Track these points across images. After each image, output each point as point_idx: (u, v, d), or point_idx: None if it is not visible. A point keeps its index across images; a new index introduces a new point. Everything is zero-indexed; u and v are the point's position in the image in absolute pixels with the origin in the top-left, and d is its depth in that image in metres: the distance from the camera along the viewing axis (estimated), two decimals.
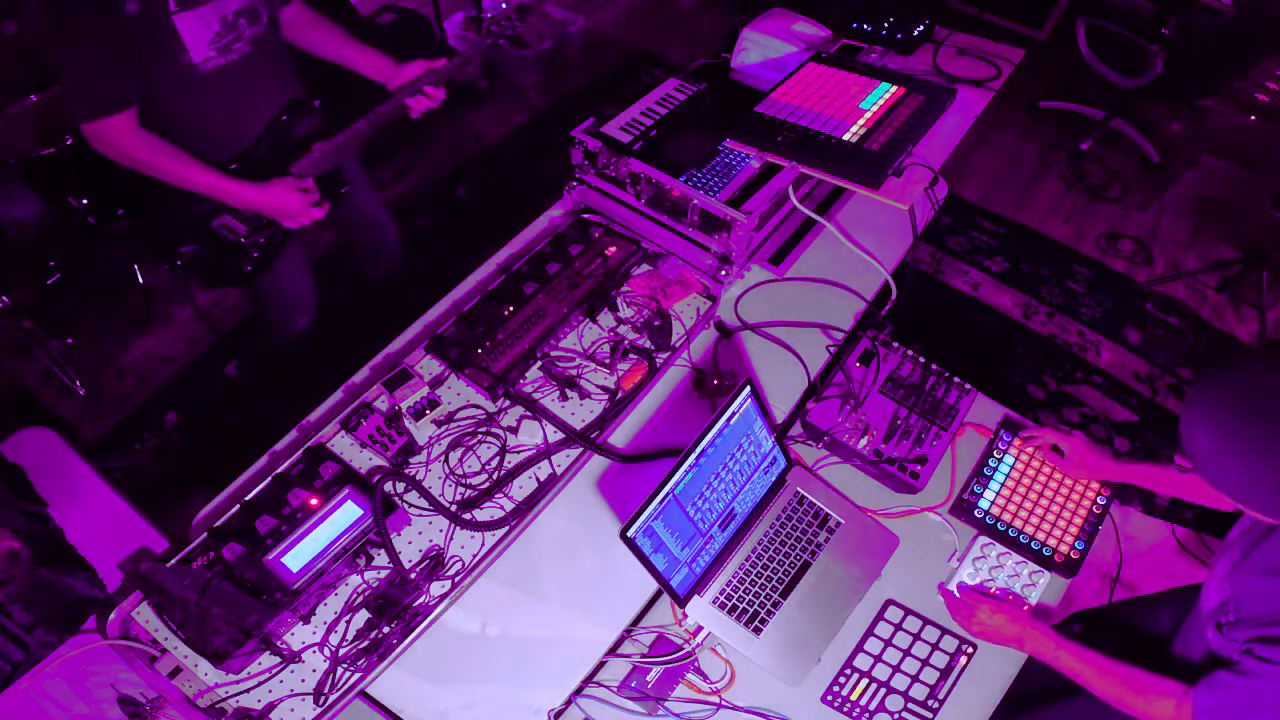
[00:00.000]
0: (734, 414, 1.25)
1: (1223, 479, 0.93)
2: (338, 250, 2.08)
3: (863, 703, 1.21)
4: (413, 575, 1.23)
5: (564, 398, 1.46)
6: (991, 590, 1.31)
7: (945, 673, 1.24)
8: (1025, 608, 1.29)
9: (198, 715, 1.11)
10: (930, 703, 1.21)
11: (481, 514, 1.32)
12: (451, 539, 1.29)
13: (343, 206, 1.87)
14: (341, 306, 2.16)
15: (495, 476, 1.35)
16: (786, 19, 2.05)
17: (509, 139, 3.46)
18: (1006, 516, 1.38)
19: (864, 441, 1.42)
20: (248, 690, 1.15)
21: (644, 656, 1.23)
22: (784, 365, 1.56)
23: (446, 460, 1.37)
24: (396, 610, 1.19)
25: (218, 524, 1.23)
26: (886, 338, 1.57)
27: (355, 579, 1.24)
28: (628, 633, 1.26)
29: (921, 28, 2.20)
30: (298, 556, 1.16)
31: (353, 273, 2.24)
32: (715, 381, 1.49)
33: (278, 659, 1.16)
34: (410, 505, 1.32)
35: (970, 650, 1.26)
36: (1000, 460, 1.45)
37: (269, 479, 1.29)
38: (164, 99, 1.44)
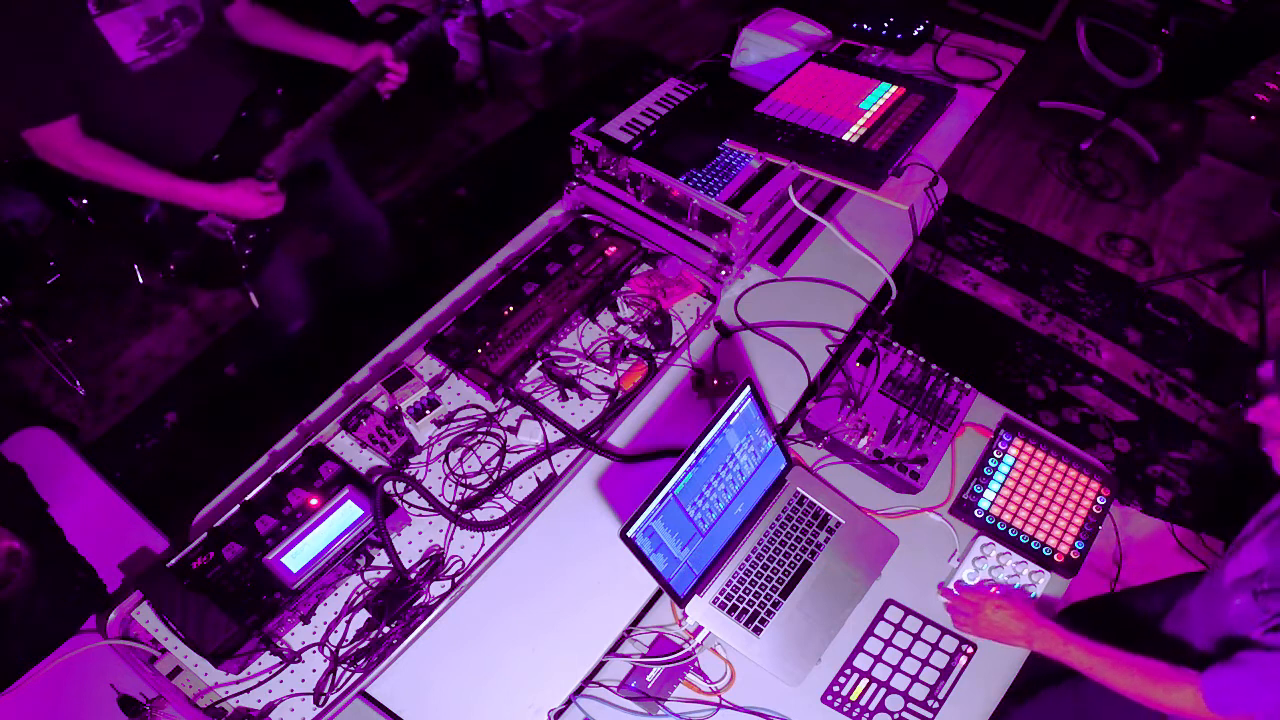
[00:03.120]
0: (734, 414, 1.25)
1: None
2: (333, 252, 2.07)
3: (863, 703, 1.21)
4: (413, 575, 1.23)
5: (564, 398, 1.46)
6: (991, 591, 1.31)
7: (945, 673, 1.24)
8: (1033, 599, 1.28)
9: (198, 715, 1.11)
10: (930, 703, 1.21)
11: (481, 514, 1.32)
12: (451, 539, 1.29)
13: (328, 205, 1.86)
14: (341, 307, 2.17)
15: (495, 476, 1.35)
16: (786, 19, 2.05)
17: (509, 139, 3.46)
18: (1006, 516, 1.38)
19: (864, 441, 1.42)
20: (248, 690, 1.15)
21: (644, 656, 1.23)
22: (784, 365, 1.56)
23: (446, 460, 1.37)
24: (396, 610, 1.19)
25: (218, 524, 1.23)
26: (886, 338, 1.57)
27: (355, 579, 1.24)
28: (628, 633, 1.26)
29: (921, 28, 2.20)
30: (298, 556, 1.16)
31: (347, 275, 2.24)
32: (715, 381, 1.49)
33: (278, 659, 1.16)
34: (410, 505, 1.32)
35: (970, 650, 1.26)
36: (1000, 460, 1.45)
37: (269, 479, 1.29)
38: (102, 101, 1.42)
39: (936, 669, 1.24)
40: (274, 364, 2.34)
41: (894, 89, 1.76)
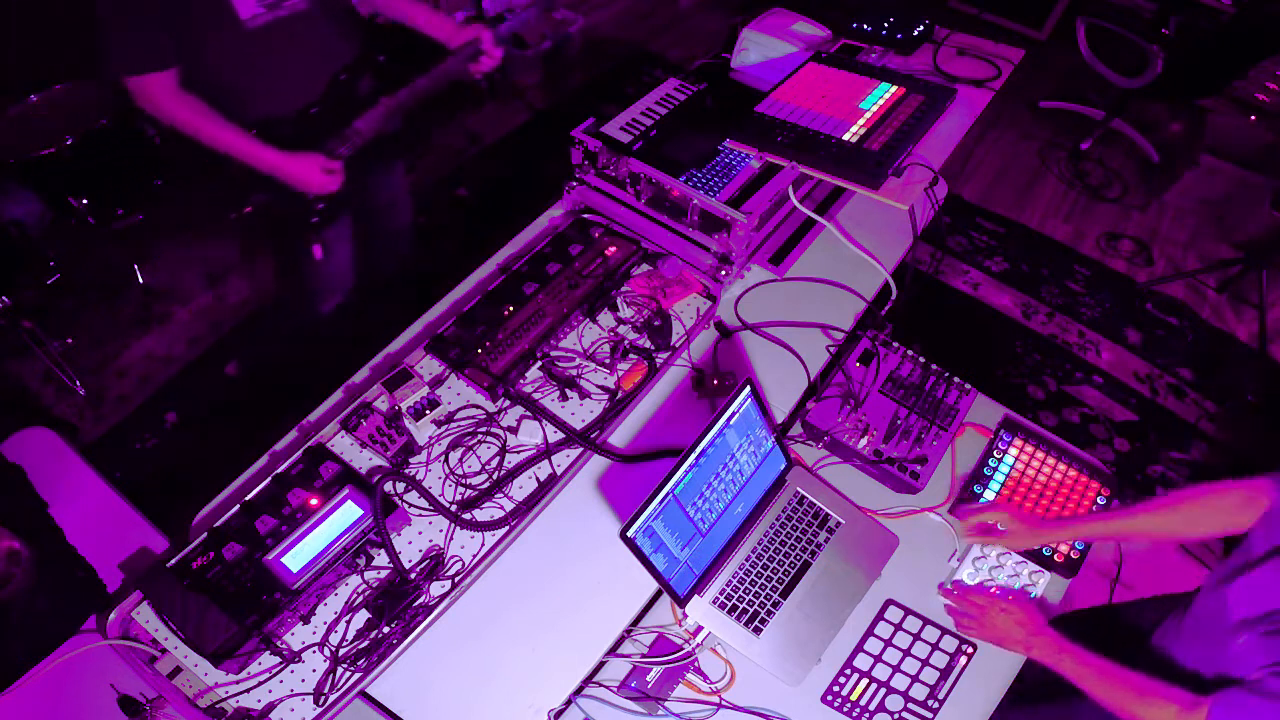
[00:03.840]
0: (734, 414, 1.25)
1: None
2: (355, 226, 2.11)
3: (863, 703, 1.21)
4: (413, 575, 1.23)
5: (564, 398, 1.46)
6: (992, 590, 1.31)
7: (945, 673, 1.24)
8: (1035, 598, 1.28)
9: (198, 715, 1.11)
10: (930, 703, 1.21)
11: (481, 514, 1.32)
12: (451, 539, 1.29)
13: (373, 180, 1.88)
14: (342, 307, 2.16)
15: (495, 476, 1.35)
16: (786, 19, 2.05)
17: (509, 139, 3.46)
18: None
19: (864, 441, 1.42)
20: (248, 690, 1.15)
21: (644, 656, 1.23)
22: (784, 365, 1.56)
23: (446, 460, 1.37)
24: (396, 610, 1.19)
25: (218, 524, 1.23)
26: (886, 338, 1.57)
27: (355, 579, 1.24)
28: (628, 633, 1.26)
29: (921, 28, 2.20)
30: (298, 556, 1.16)
31: (362, 261, 2.24)
32: (715, 381, 1.49)
33: (278, 659, 1.16)
34: (410, 505, 1.32)
35: (970, 650, 1.26)
36: (1000, 460, 1.45)
37: (269, 479, 1.29)
38: (209, 54, 1.47)
39: (936, 669, 1.24)
40: (274, 364, 2.34)
41: (894, 89, 1.76)
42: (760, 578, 1.31)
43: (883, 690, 1.22)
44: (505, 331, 1.48)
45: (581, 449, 1.39)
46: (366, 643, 1.18)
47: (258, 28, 1.47)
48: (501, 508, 1.33)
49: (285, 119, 1.59)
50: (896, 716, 1.20)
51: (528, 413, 1.42)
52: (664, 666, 1.22)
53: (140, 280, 2.70)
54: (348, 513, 1.20)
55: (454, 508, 1.31)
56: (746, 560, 1.32)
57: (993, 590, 1.31)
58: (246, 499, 1.26)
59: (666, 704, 1.19)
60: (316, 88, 1.63)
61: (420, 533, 1.30)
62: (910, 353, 1.55)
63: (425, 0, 1.75)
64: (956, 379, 1.51)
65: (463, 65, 1.67)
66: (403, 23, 1.74)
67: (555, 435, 1.40)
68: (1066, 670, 1.13)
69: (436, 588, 1.24)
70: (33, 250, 2.53)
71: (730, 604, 1.28)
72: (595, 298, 1.55)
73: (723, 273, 1.60)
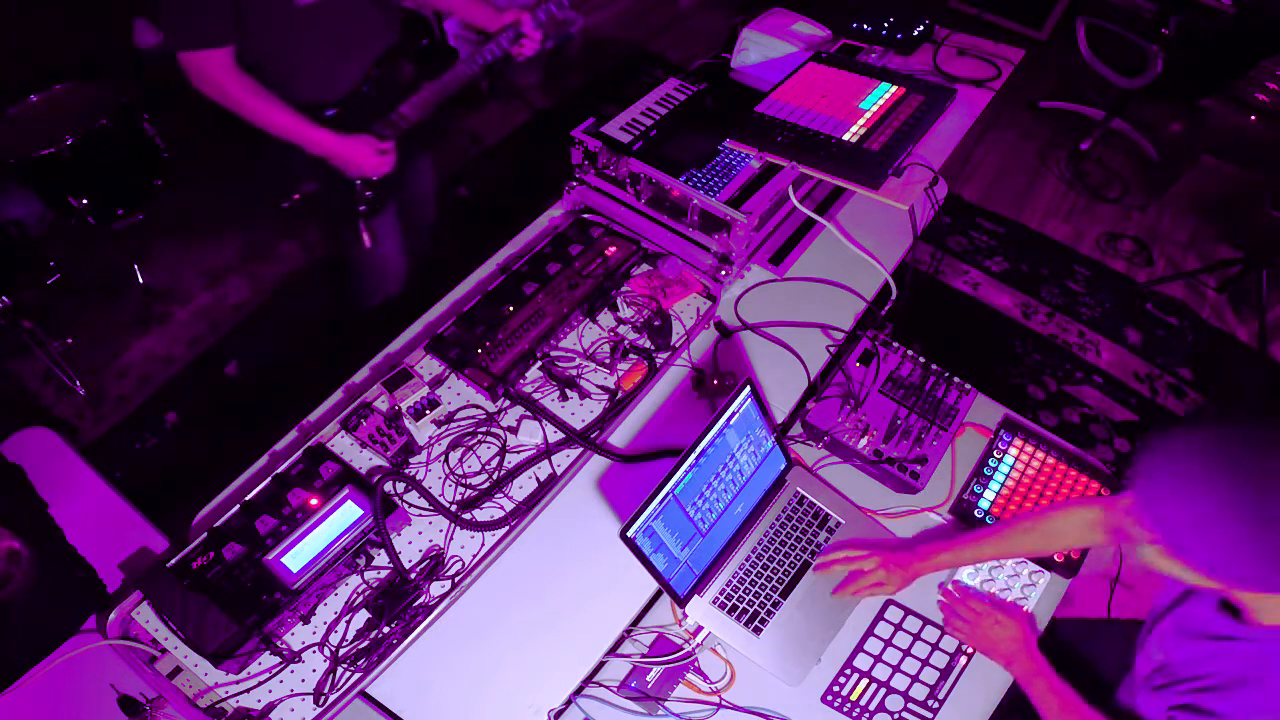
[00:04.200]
0: (734, 414, 1.25)
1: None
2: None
3: (863, 703, 1.21)
4: (413, 575, 1.23)
5: (564, 398, 1.46)
6: (995, 587, 1.31)
7: (945, 673, 1.24)
8: (1026, 610, 1.28)
9: (198, 715, 1.11)
10: (930, 703, 1.21)
11: (481, 514, 1.32)
12: (451, 539, 1.29)
13: (408, 170, 1.89)
14: (342, 306, 2.16)
15: (495, 476, 1.35)
16: (786, 19, 2.05)
17: (509, 139, 3.46)
18: (1007, 516, 1.38)
19: (864, 441, 1.42)
20: (248, 690, 1.15)
21: (644, 656, 1.23)
22: (784, 365, 1.56)
23: (446, 460, 1.37)
24: (396, 610, 1.19)
25: (218, 524, 1.23)
26: (886, 338, 1.57)
27: (355, 579, 1.24)
28: (628, 633, 1.26)
29: (921, 28, 2.20)
30: (298, 556, 1.16)
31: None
32: (715, 381, 1.49)
33: (278, 659, 1.16)
34: (410, 505, 1.32)
35: (970, 650, 1.26)
36: (1000, 460, 1.45)
37: (269, 479, 1.29)
38: (262, 32, 1.48)
39: (936, 669, 1.24)
40: (274, 364, 2.34)
41: (894, 89, 1.76)
42: (760, 578, 1.31)
43: (883, 690, 1.22)
44: (505, 331, 1.48)
45: (581, 449, 1.39)
46: (366, 643, 1.18)
47: (305, 6, 1.48)
48: (501, 508, 1.33)
49: (328, 103, 1.60)
50: (896, 716, 1.20)
51: (528, 413, 1.42)
52: (664, 666, 1.22)
53: (140, 280, 2.70)
54: (348, 513, 1.20)
55: (454, 508, 1.31)
56: (746, 560, 1.32)
57: (990, 594, 1.31)
58: (246, 499, 1.26)
59: (666, 704, 1.19)
60: (359, 71, 1.63)
61: (420, 533, 1.30)
62: (910, 353, 1.55)
63: None
64: (956, 379, 1.51)
65: (504, 49, 1.69)
66: (443, 11, 1.76)
67: (555, 435, 1.40)
68: (1035, 692, 1.15)
69: (436, 588, 1.24)
70: (33, 250, 2.53)
71: (730, 604, 1.28)
72: (595, 298, 1.55)
73: (723, 273, 1.60)
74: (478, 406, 1.44)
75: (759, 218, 1.55)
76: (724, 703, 1.20)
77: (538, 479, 1.36)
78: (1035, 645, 1.21)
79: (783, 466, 1.39)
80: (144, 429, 2.39)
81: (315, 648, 1.18)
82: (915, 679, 1.24)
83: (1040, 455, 1.46)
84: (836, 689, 1.22)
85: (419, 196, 2.10)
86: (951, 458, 1.46)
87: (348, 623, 1.20)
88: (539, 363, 1.49)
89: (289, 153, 1.62)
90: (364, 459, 1.37)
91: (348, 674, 1.15)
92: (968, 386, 1.51)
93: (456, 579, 1.24)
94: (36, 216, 2.59)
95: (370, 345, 1.57)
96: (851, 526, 1.37)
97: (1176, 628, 1.02)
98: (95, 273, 2.71)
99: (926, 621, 1.29)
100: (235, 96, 1.49)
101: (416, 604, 1.21)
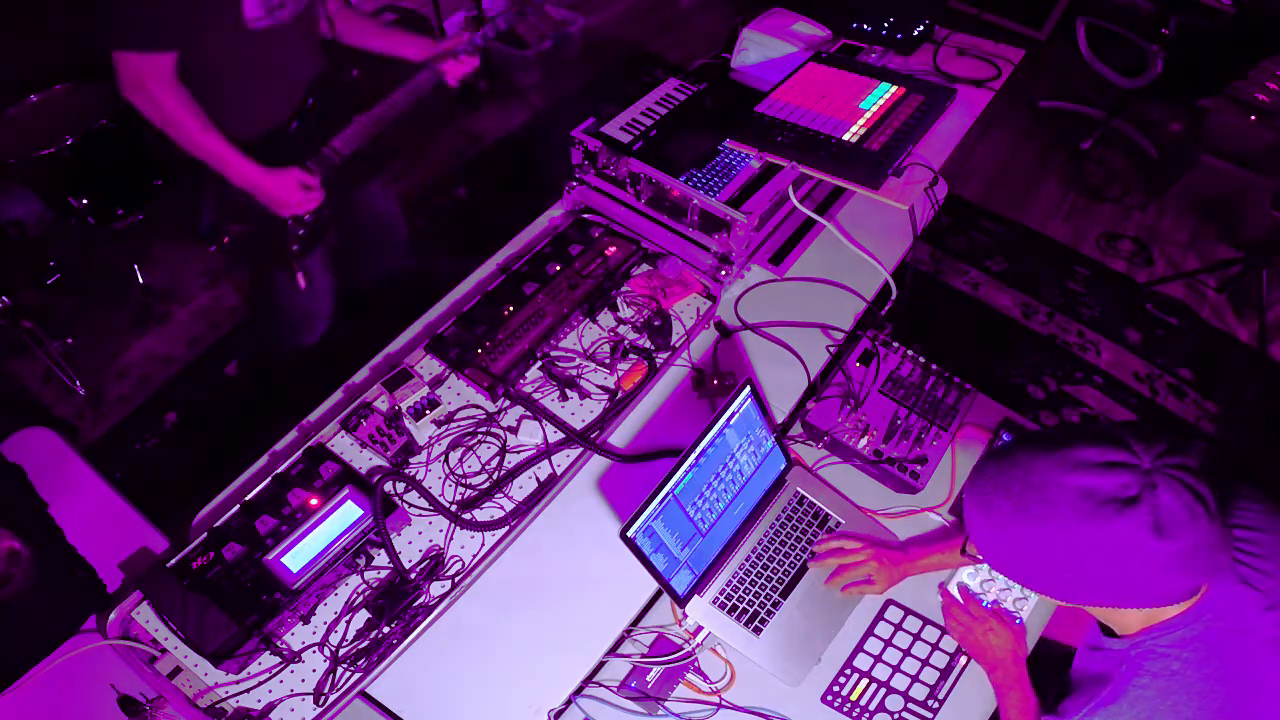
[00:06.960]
0: (734, 414, 1.25)
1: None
2: (342, 245, 2.10)
3: (863, 703, 1.21)
4: (413, 575, 1.23)
5: (564, 398, 1.46)
6: (992, 592, 1.31)
7: (945, 673, 1.24)
8: (1018, 622, 1.28)
9: (198, 715, 1.11)
10: (930, 703, 1.21)
11: (481, 514, 1.32)
12: (451, 539, 1.29)
13: (355, 195, 1.87)
14: (342, 306, 2.16)
15: (495, 476, 1.35)
16: (786, 19, 2.05)
17: (509, 139, 3.46)
18: None
19: (864, 441, 1.42)
20: (248, 690, 1.15)
21: (644, 656, 1.23)
22: (784, 365, 1.56)
23: (446, 460, 1.37)
24: (396, 610, 1.19)
25: (218, 524, 1.23)
26: (886, 338, 1.57)
27: (355, 579, 1.24)
28: (628, 633, 1.26)
29: (921, 28, 2.20)
30: (298, 556, 1.16)
31: (353, 272, 2.24)
32: (715, 381, 1.49)
33: (278, 659, 1.16)
34: (410, 505, 1.32)
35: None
36: None
37: (269, 479, 1.29)
38: (210, 48, 1.44)
39: (936, 669, 1.24)
40: (274, 363, 2.34)
41: (894, 89, 1.76)
42: (760, 578, 1.31)
43: (883, 690, 1.22)
44: (505, 331, 1.48)
45: (581, 449, 1.39)
46: (366, 643, 1.18)
47: (256, 30, 1.46)
48: (501, 508, 1.33)
49: (258, 140, 1.56)
50: (896, 716, 1.20)
51: (528, 413, 1.42)
52: (664, 666, 1.22)
53: (140, 280, 2.70)
54: (348, 513, 1.20)
55: (454, 508, 1.31)
56: (746, 560, 1.32)
57: (994, 593, 1.31)
58: (246, 499, 1.26)
59: (666, 704, 1.19)
60: (292, 103, 1.61)
61: (420, 533, 1.30)
62: (910, 353, 1.55)
63: (394, 27, 1.75)
64: (956, 379, 1.51)
65: (435, 76, 1.66)
66: (365, 50, 1.73)
67: (555, 435, 1.40)
68: (1008, 704, 1.16)
69: (436, 588, 1.24)
70: (33, 250, 2.53)
71: (730, 604, 1.28)
72: (595, 298, 1.55)
73: (723, 273, 1.60)
74: (478, 406, 1.44)
75: (759, 218, 1.55)
76: (724, 703, 1.20)
77: (538, 479, 1.36)
78: (1023, 660, 1.21)
79: (783, 466, 1.39)
80: (144, 429, 2.39)
81: (315, 648, 1.18)
82: (915, 679, 1.24)
83: None
84: (836, 689, 1.22)
85: (380, 219, 2.08)
86: (951, 458, 1.46)
87: (348, 623, 1.20)
88: (539, 363, 1.49)
89: (220, 192, 1.58)
90: (364, 459, 1.37)
91: (348, 674, 1.15)
92: (968, 386, 1.51)
93: (456, 579, 1.24)
94: (36, 216, 2.59)
95: (370, 345, 1.57)
96: (851, 527, 1.37)
97: (1085, 645, 1.04)
98: (95, 273, 2.71)
99: (926, 621, 1.29)
100: (168, 110, 1.42)
101: (416, 604, 1.21)
